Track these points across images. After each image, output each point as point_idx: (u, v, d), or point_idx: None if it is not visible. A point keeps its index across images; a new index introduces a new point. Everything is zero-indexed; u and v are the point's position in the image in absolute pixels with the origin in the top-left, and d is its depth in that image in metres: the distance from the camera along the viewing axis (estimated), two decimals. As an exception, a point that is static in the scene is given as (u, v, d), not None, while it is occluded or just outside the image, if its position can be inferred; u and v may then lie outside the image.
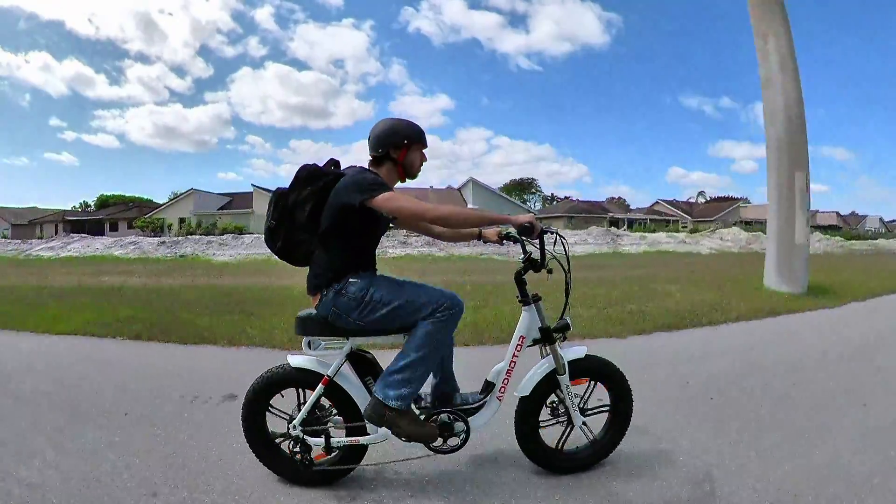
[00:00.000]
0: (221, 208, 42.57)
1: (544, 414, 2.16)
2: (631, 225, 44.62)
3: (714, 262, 15.58)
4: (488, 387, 2.09)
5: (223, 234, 24.87)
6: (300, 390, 2.08)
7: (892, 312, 6.58)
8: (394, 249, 19.51)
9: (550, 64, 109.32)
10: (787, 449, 2.39)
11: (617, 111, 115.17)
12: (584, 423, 2.17)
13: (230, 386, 3.25)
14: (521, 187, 70.49)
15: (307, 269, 2.08)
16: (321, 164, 2.07)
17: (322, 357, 2.07)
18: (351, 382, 2.04)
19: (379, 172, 2.06)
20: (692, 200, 65.77)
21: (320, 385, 1.99)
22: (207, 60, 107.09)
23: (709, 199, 66.86)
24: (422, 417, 2.02)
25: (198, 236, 25.42)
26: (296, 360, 2.06)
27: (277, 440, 2.11)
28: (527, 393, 2.09)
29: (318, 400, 2.02)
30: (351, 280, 1.96)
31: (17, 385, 3.42)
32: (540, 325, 2.06)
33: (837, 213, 61.33)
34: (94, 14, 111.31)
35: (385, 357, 2.11)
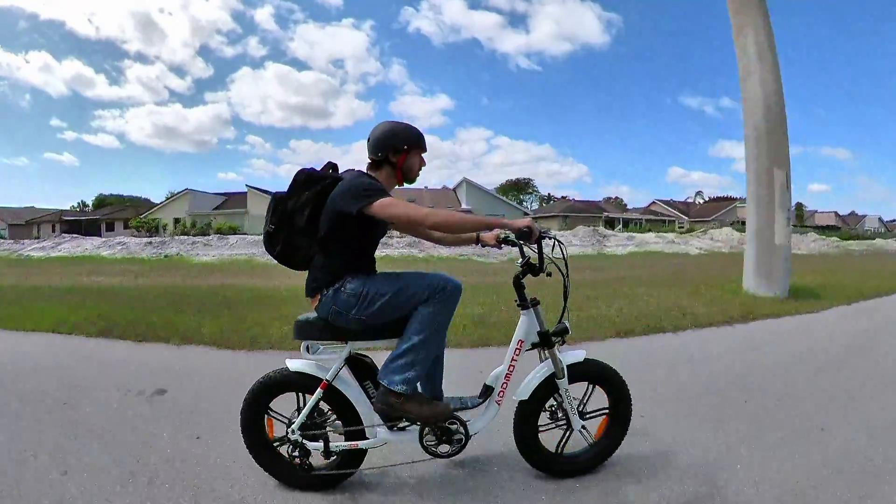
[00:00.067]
0: (216, 208, 42.38)
1: (543, 418, 2.17)
2: (627, 225, 44.81)
3: (699, 263, 15.35)
4: (487, 391, 2.09)
5: (206, 235, 24.77)
6: (299, 394, 2.08)
7: (879, 317, 6.14)
8: (373, 249, 19.32)
9: (550, 64, 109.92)
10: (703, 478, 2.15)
11: (617, 111, 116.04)
12: (583, 427, 2.17)
13: (166, 382, 3.42)
14: (518, 188, 70.64)
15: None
16: (319, 168, 2.07)
17: (321, 361, 2.07)
18: (350, 386, 2.04)
19: (377, 176, 2.07)
20: (690, 200, 66.12)
21: (319, 389, 1.99)
22: (207, 60, 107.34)
23: (707, 198, 67.17)
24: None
25: (183, 237, 25.37)
26: (294, 365, 2.05)
27: (276, 444, 2.11)
28: (526, 397, 2.09)
29: (316, 404, 2.02)
30: (349, 279, 1.97)
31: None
32: (538, 329, 2.06)
33: (836, 213, 61.80)
34: (94, 14, 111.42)
35: (383, 361, 2.11)
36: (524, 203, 64.35)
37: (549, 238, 2.06)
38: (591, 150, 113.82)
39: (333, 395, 2.02)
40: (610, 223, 44.04)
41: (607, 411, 2.25)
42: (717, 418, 2.84)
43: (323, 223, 1.97)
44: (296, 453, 2.03)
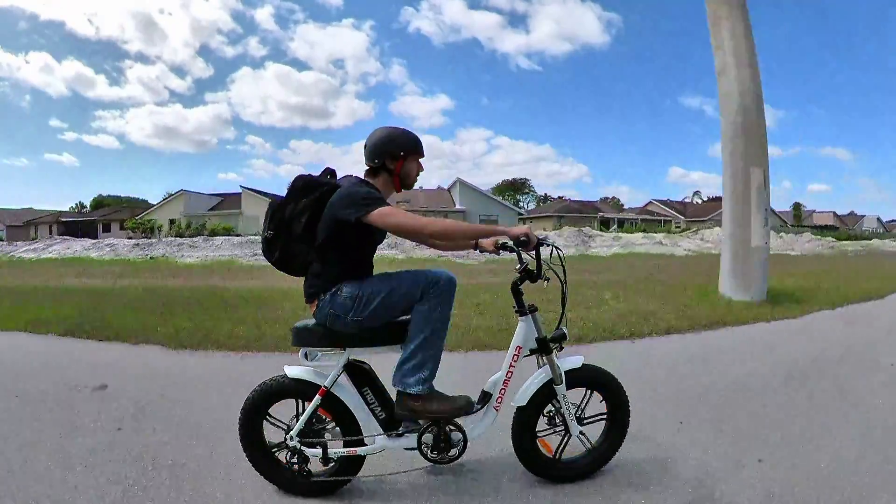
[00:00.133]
0: (212, 209, 42.21)
1: (541, 424, 2.17)
2: (622, 225, 44.87)
3: (683, 265, 14.87)
4: (485, 397, 2.09)
5: (196, 237, 24.65)
6: (298, 401, 2.07)
7: (862, 324, 5.65)
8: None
9: (550, 64, 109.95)
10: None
11: (617, 111, 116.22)
12: (581, 433, 2.18)
13: (108, 378, 3.58)
14: (514, 188, 70.67)
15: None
16: (317, 175, 2.07)
17: (319, 368, 2.07)
18: (348, 393, 2.03)
19: (375, 183, 2.07)
20: (688, 200, 66.35)
21: (317, 396, 1.99)
22: (207, 60, 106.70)
23: (706, 198, 67.39)
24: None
25: (170, 238, 25.29)
26: (293, 371, 2.05)
27: (274, 450, 2.10)
28: (524, 403, 2.09)
29: (315, 411, 2.02)
30: (346, 283, 1.97)
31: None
32: (537, 335, 2.07)
33: (834, 213, 62.16)
34: (94, 14, 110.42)
35: (381, 368, 2.11)
36: (520, 203, 64.36)
37: (548, 245, 2.07)
38: (591, 150, 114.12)
39: (332, 402, 2.02)
40: (606, 223, 44.14)
41: (605, 416, 2.26)
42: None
43: (321, 230, 1.97)
44: (294, 460, 2.03)
